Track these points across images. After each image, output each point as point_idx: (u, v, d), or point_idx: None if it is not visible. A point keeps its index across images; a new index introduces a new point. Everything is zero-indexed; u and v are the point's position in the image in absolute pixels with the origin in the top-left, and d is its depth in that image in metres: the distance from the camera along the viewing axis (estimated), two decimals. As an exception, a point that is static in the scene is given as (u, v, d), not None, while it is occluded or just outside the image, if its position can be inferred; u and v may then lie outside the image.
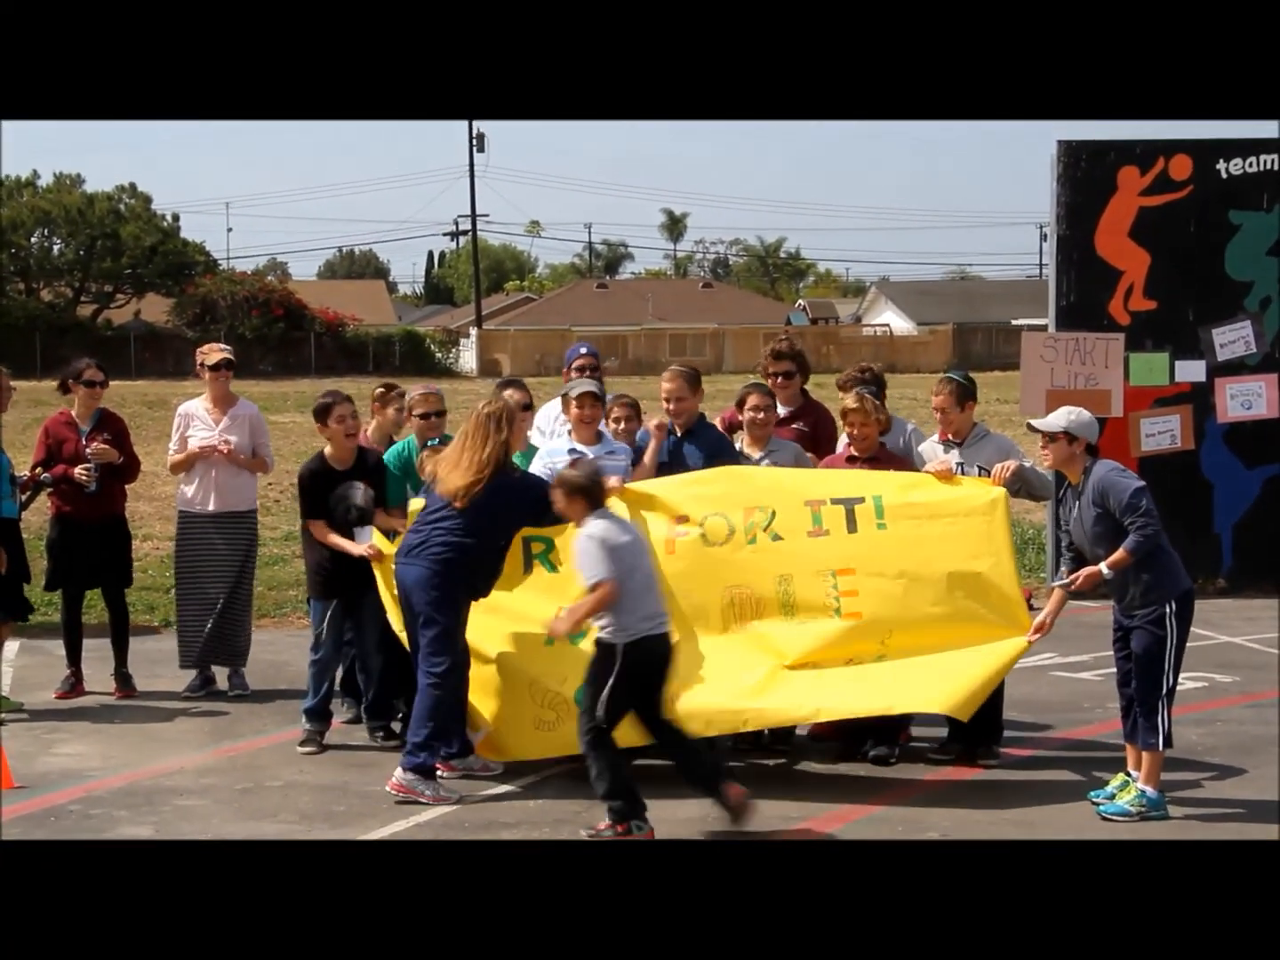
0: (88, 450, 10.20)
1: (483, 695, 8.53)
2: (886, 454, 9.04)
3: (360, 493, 9.00)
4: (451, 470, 8.24)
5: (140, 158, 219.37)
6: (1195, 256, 13.52)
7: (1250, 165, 13.53)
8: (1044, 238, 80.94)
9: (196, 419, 10.54)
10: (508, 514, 8.24)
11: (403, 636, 8.54)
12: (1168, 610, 7.74)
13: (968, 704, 8.19)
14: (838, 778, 8.60)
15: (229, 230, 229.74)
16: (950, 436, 9.06)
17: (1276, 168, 13.52)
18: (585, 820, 7.68)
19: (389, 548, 8.78)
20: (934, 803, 8.11)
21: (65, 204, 64.11)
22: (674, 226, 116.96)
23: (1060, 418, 7.98)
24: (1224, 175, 13.52)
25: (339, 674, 9.48)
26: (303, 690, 9.39)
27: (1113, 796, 7.89)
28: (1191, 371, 13.60)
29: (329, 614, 9.16)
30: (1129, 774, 7.94)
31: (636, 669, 7.46)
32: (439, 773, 8.33)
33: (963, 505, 8.61)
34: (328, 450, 9.39)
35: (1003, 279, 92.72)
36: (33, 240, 64.60)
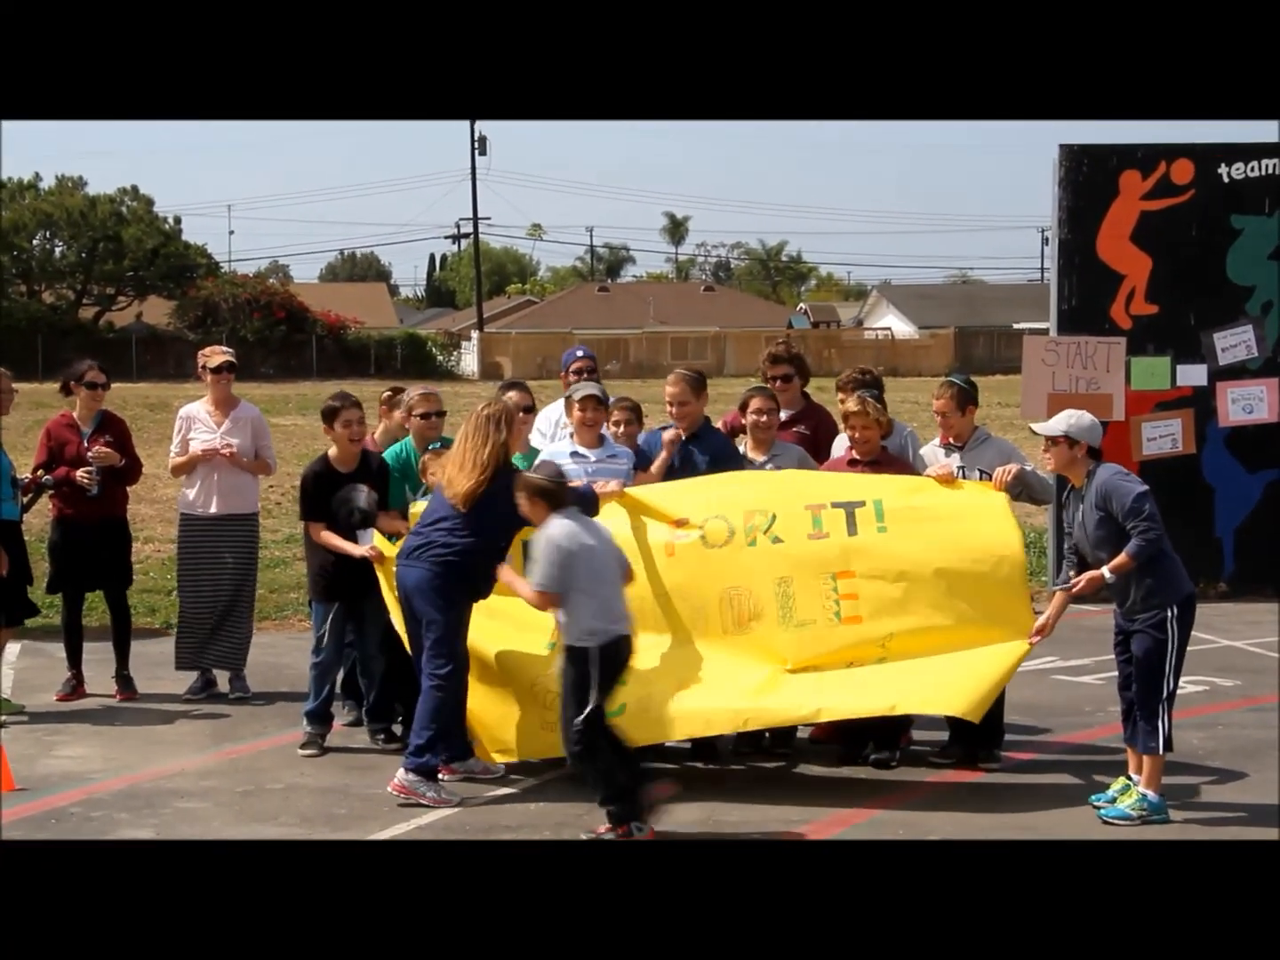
0: (89, 453, 10.19)
1: (485, 698, 8.53)
2: (888, 457, 9.04)
3: (363, 495, 8.99)
4: (457, 472, 8.26)
5: (142, 160, 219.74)
6: (1197, 261, 13.52)
7: (1252, 169, 13.53)
8: (1045, 242, 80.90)
9: (198, 421, 10.53)
10: (508, 516, 8.24)
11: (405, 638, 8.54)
12: (1169, 614, 7.73)
13: (978, 707, 8.18)
14: (838, 781, 8.60)
15: (231, 233, 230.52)
16: (951, 440, 9.07)
17: (1278, 172, 13.53)
18: (586, 823, 7.69)
19: (390, 550, 8.78)
20: (935, 806, 8.10)
21: (67, 206, 64.17)
22: (676, 230, 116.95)
23: (1061, 422, 7.98)
24: (1226, 179, 13.53)
25: (340, 677, 9.48)
26: (304, 693, 9.38)
27: (1114, 800, 7.88)
28: (1193, 375, 13.61)
29: (330, 617, 9.16)
30: (1130, 778, 7.94)
31: (607, 668, 7.52)
32: (440, 776, 8.33)
33: (964, 509, 8.61)
34: (332, 452, 9.39)
35: (1004, 283, 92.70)
36: (35, 242, 64.72)
